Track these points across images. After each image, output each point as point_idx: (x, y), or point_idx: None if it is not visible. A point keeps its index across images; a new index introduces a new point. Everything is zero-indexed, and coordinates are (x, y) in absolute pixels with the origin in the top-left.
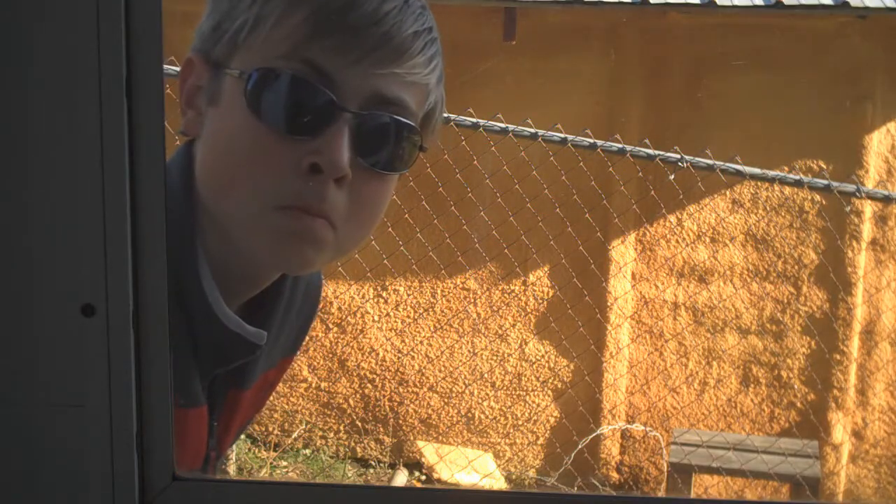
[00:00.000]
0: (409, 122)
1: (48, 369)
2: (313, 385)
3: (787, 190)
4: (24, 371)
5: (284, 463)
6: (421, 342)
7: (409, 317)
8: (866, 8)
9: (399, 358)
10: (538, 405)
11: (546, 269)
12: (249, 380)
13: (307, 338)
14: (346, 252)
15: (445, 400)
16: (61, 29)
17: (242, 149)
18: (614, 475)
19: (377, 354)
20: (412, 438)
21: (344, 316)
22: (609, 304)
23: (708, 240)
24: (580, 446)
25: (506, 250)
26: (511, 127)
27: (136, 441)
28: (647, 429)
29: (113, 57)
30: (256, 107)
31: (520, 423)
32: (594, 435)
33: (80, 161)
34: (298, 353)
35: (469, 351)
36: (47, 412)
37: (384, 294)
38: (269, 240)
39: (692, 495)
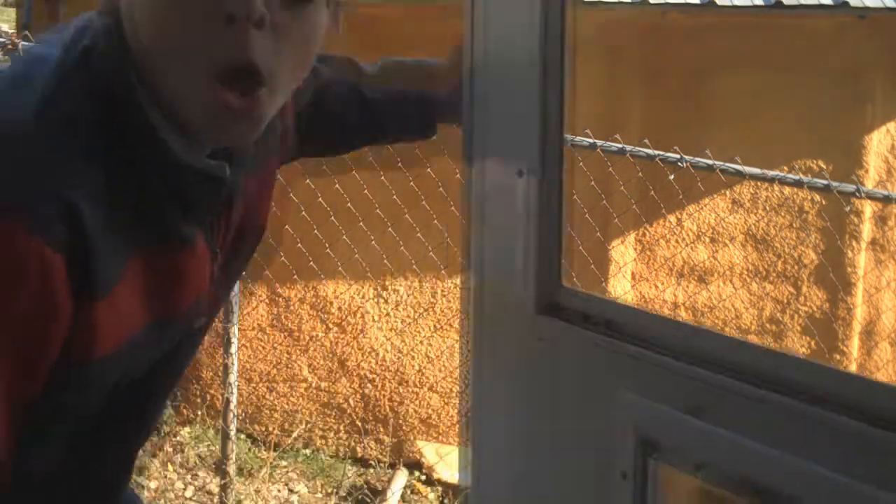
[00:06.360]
0: None
1: None
2: (313, 385)
3: (787, 190)
4: None
5: (284, 463)
6: (421, 342)
7: (409, 317)
8: (866, 8)
9: (399, 358)
10: None
11: None
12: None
13: None
14: (289, 94)
15: (445, 400)
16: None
17: (165, 12)
18: None
19: (377, 354)
20: (412, 438)
21: (344, 316)
22: None
23: (708, 240)
24: None
25: None
26: None
27: None
28: None
29: None
30: None
31: None
32: None
33: None
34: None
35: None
36: None
37: (384, 294)
38: (208, 119)
39: None
